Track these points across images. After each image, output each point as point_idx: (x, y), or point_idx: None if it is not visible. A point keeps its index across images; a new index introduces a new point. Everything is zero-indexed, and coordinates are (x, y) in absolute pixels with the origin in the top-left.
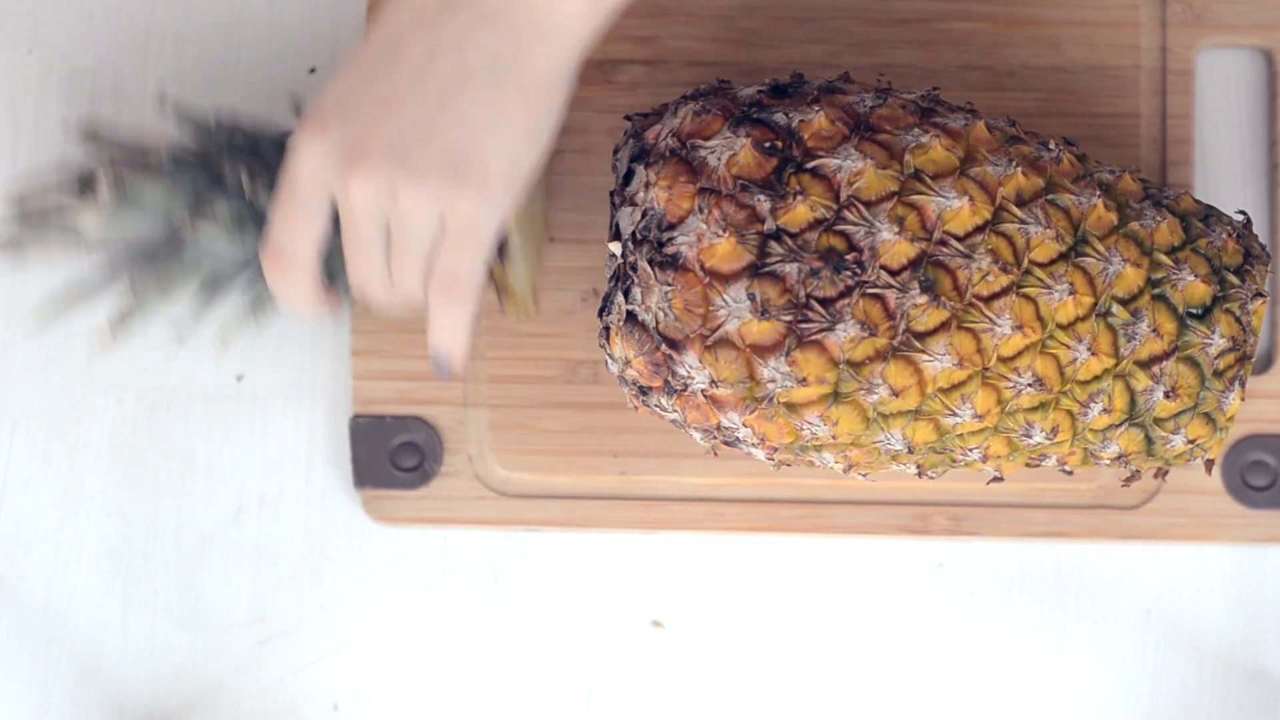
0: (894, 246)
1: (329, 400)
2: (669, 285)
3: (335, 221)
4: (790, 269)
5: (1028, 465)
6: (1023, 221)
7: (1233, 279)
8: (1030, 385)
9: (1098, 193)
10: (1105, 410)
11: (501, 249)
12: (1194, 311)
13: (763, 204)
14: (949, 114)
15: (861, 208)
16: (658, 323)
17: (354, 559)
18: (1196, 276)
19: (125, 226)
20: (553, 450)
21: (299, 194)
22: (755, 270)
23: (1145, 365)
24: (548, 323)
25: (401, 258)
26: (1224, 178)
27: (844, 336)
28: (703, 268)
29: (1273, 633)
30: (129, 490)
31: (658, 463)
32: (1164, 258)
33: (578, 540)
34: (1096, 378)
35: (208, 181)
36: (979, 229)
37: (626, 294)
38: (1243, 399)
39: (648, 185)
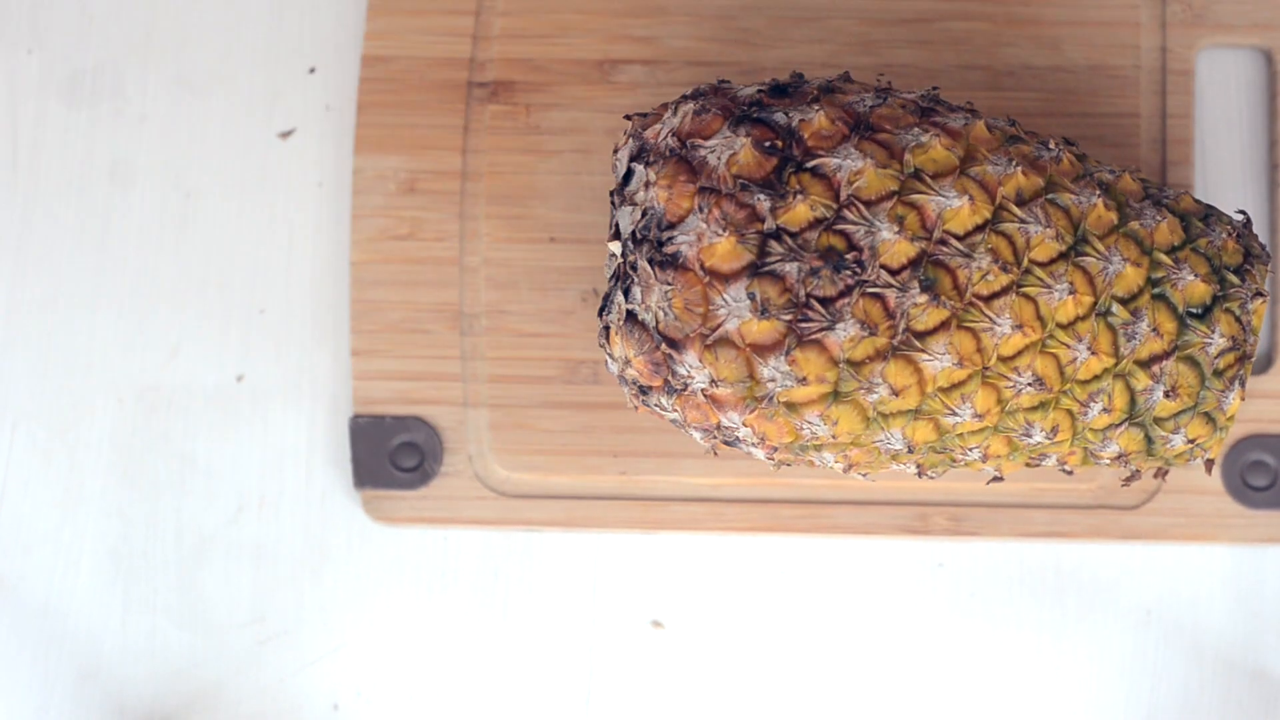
0: (894, 246)
1: (329, 400)
2: (669, 284)
3: None
4: (790, 268)
5: (1028, 465)
6: (1023, 221)
7: (1233, 278)
8: (1030, 385)
9: (1098, 192)
10: (1105, 410)
11: None
12: (1194, 311)
13: (763, 203)
14: (949, 113)
15: (861, 207)
16: (658, 322)
17: (354, 559)
18: (1196, 276)
19: None
20: (553, 450)
21: None
22: (755, 269)
23: (1145, 365)
24: (548, 323)
25: None
26: (1224, 178)
27: (844, 336)
28: (703, 267)
29: (1273, 633)
30: (129, 490)
31: (658, 463)
32: (1164, 257)
33: (578, 540)
34: (1096, 377)
35: None
36: (979, 228)
37: (626, 293)
38: (1243, 399)
39: (647, 184)
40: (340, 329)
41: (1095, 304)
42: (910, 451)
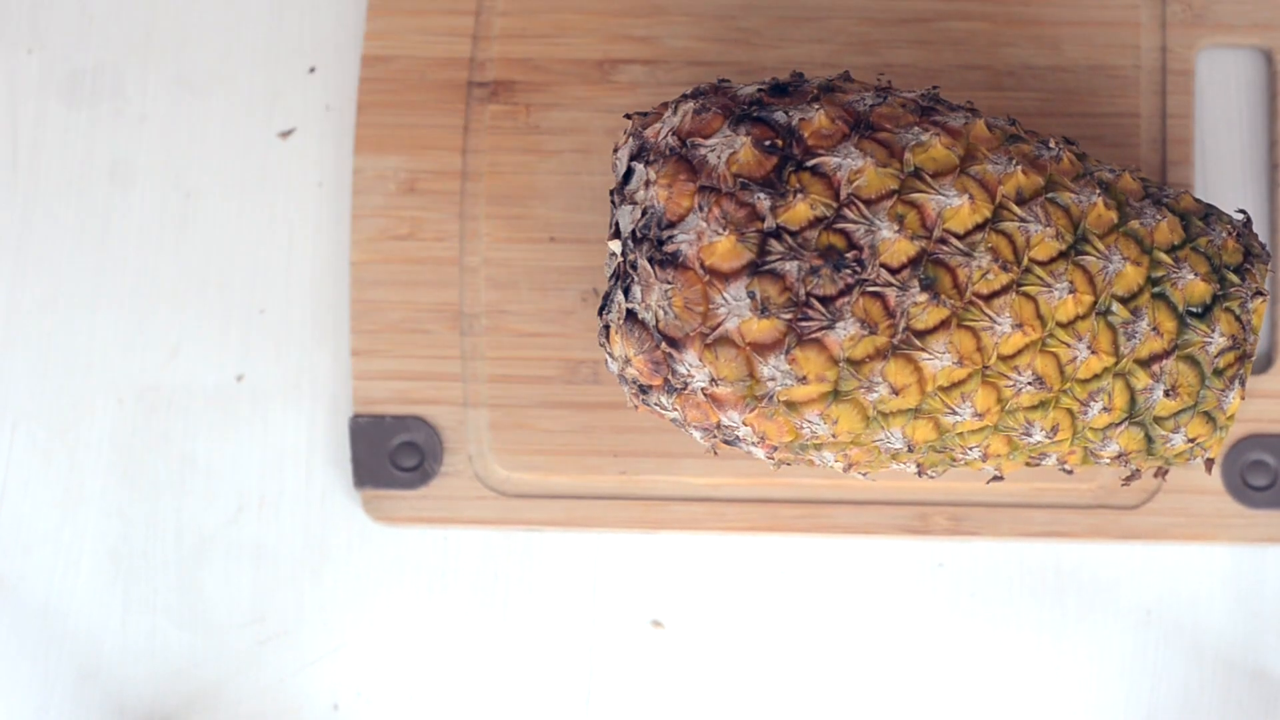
0: (894, 245)
1: (329, 400)
2: (669, 283)
3: None
4: (790, 267)
5: (1028, 464)
6: (1023, 220)
7: (1233, 277)
8: (1030, 384)
9: (1098, 191)
10: (1105, 409)
11: None
12: (1194, 310)
13: (763, 202)
14: (949, 113)
15: (861, 206)
16: (657, 321)
17: (354, 559)
18: (1196, 275)
19: None
20: (553, 450)
21: None
22: (755, 268)
23: (1145, 364)
24: (548, 323)
25: None
26: (1224, 178)
27: (844, 335)
28: (703, 266)
29: (1273, 633)
30: (129, 490)
31: (658, 463)
32: (1164, 256)
33: (578, 540)
34: (1096, 376)
35: None
36: (979, 227)
37: (626, 292)
38: (1243, 398)
39: (648, 183)
40: (340, 329)
41: (1095, 303)
42: (910, 450)
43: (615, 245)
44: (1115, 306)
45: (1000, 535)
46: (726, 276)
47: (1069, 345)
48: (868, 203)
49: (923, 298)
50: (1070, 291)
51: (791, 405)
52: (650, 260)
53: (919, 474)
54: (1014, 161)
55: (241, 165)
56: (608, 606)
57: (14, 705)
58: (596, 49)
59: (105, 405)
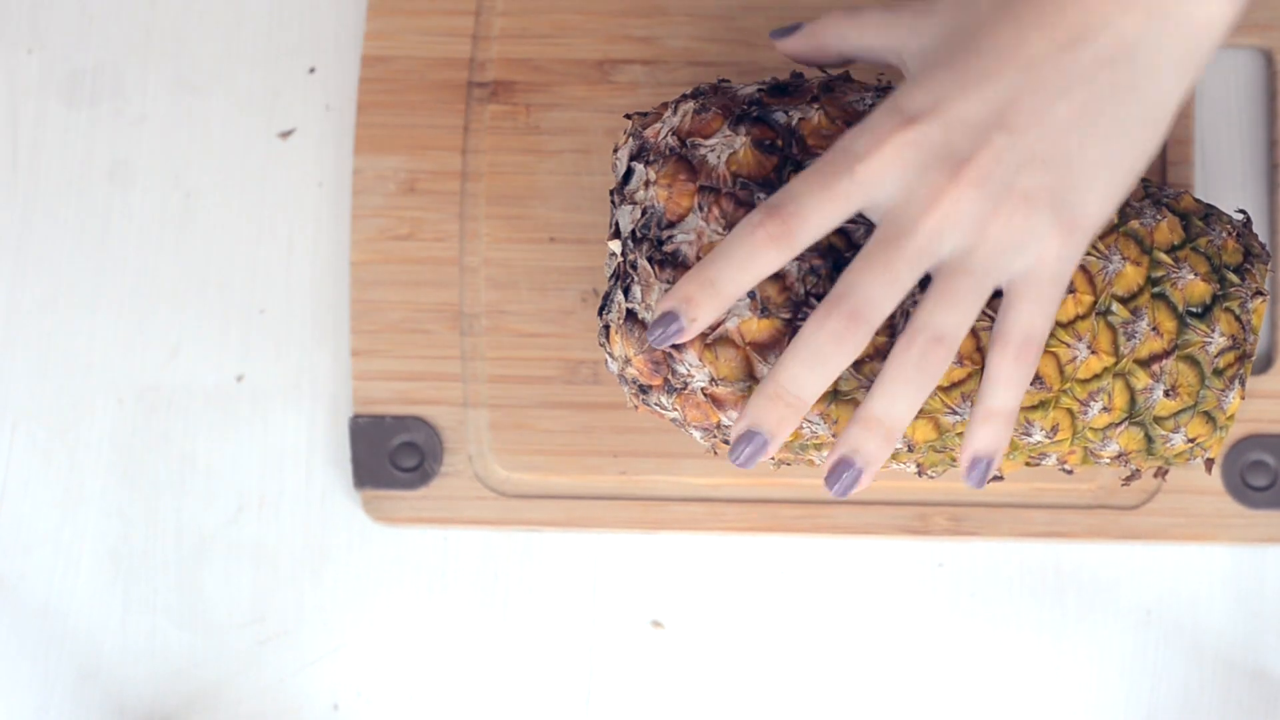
0: None
1: (329, 400)
2: (669, 283)
3: None
4: (789, 267)
5: (1028, 464)
6: None
7: (1233, 277)
8: (1030, 383)
9: None
10: (1105, 409)
11: None
12: (1194, 310)
13: (762, 201)
14: None
15: None
16: None
17: (354, 559)
18: (1196, 275)
19: None
20: (553, 450)
21: (857, 178)
22: None
23: (1145, 364)
24: (548, 323)
25: (953, 293)
26: (1224, 178)
27: None
28: None
29: (1273, 633)
30: (129, 490)
31: (658, 463)
32: (1164, 256)
33: (578, 540)
34: (1096, 376)
35: None
36: None
37: (626, 292)
38: (1243, 398)
39: (647, 183)
40: (340, 329)
41: (1095, 303)
42: (910, 450)
43: (615, 245)
44: (1115, 306)
45: (1000, 535)
46: None
47: (1069, 345)
48: None
49: (922, 297)
50: (1070, 291)
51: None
52: (650, 260)
53: (919, 474)
54: None
55: (241, 165)
56: (608, 606)
57: (14, 705)
58: (596, 49)
59: (105, 405)
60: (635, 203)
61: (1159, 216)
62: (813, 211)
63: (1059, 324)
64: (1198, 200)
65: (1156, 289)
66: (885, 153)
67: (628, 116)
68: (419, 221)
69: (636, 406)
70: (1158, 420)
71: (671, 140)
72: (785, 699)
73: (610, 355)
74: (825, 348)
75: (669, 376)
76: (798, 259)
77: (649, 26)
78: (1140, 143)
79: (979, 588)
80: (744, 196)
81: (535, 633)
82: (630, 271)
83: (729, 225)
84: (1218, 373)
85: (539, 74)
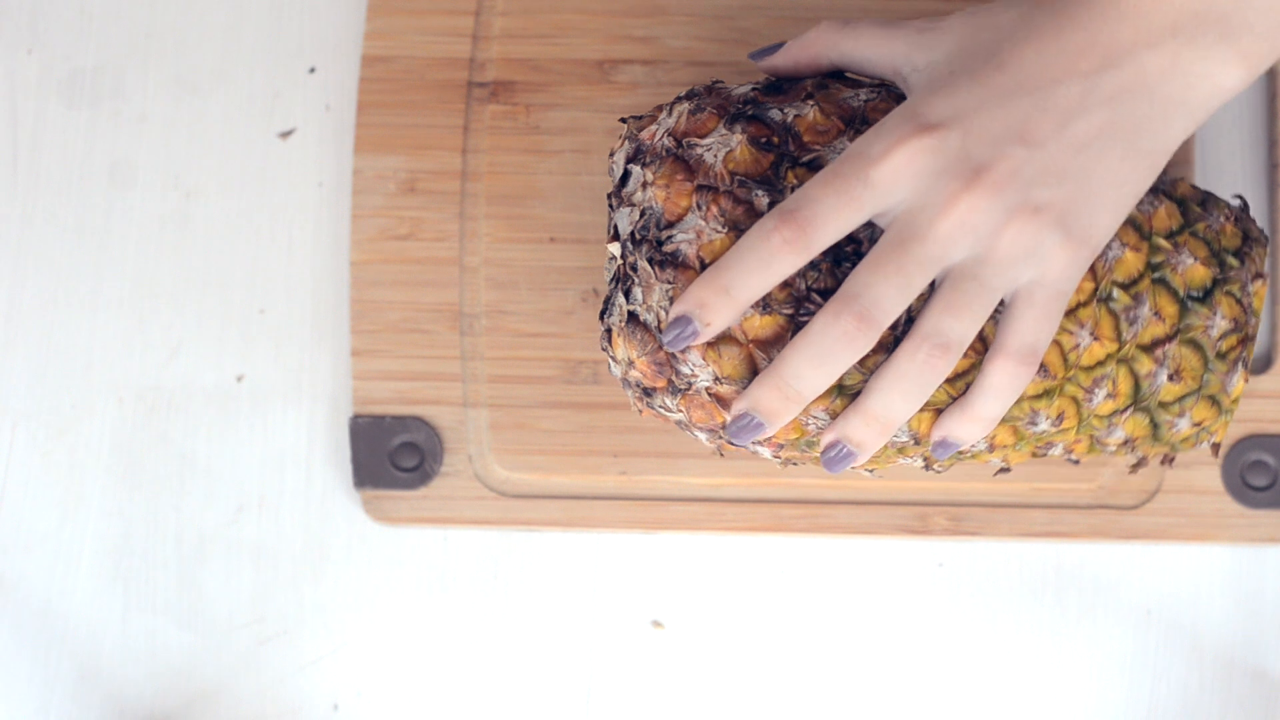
0: None
1: (329, 400)
2: (670, 283)
3: None
4: None
5: (1034, 455)
6: None
7: (1232, 261)
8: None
9: None
10: (1110, 395)
11: None
12: (1195, 294)
13: (761, 199)
14: None
15: None
16: (660, 321)
17: (354, 559)
18: (1196, 259)
19: None
20: (553, 450)
21: (872, 182)
22: None
23: (1148, 349)
24: (548, 323)
25: (960, 300)
26: (1223, 177)
27: None
28: (703, 264)
29: (1273, 633)
30: (129, 490)
31: (658, 463)
32: (1163, 242)
33: (578, 540)
34: (1100, 363)
35: None
36: None
37: (627, 294)
38: (1246, 380)
39: (645, 185)
40: (340, 329)
41: (1096, 290)
42: (916, 444)
43: (614, 248)
44: (1116, 293)
45: (1000, 535)
46: None
47: (1071, 332)
48: None
49: (929, 302)
50: None
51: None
52: (650, 261)
53: (925, 468)
54: None
55: (241, 165)
56: (608, 606)
57: (14, 705)
58: (596, 49)
59: (105, 405)
60: (633, 205)
61: (1156, 203)
62: (828, 216)
63: None
64: (1194, 187)
65: (1157, 274)
66: (901, 157)
67: (623, 120)
68: (419, 221)
69: (641, 410)
70: (1163, 405)
71: (667, 141)
72: (785, 699)
73: (613, 359)
74: (833, 347)
75: (673, 378)
76: None
77: (649, 26)
78: (1147, 169)
79: (979, 588)
80: (742, 194)
81: (535, 633)
82: (631, 273)
83: (728, 223)
84: (1221, 356)
85: (539, 74)
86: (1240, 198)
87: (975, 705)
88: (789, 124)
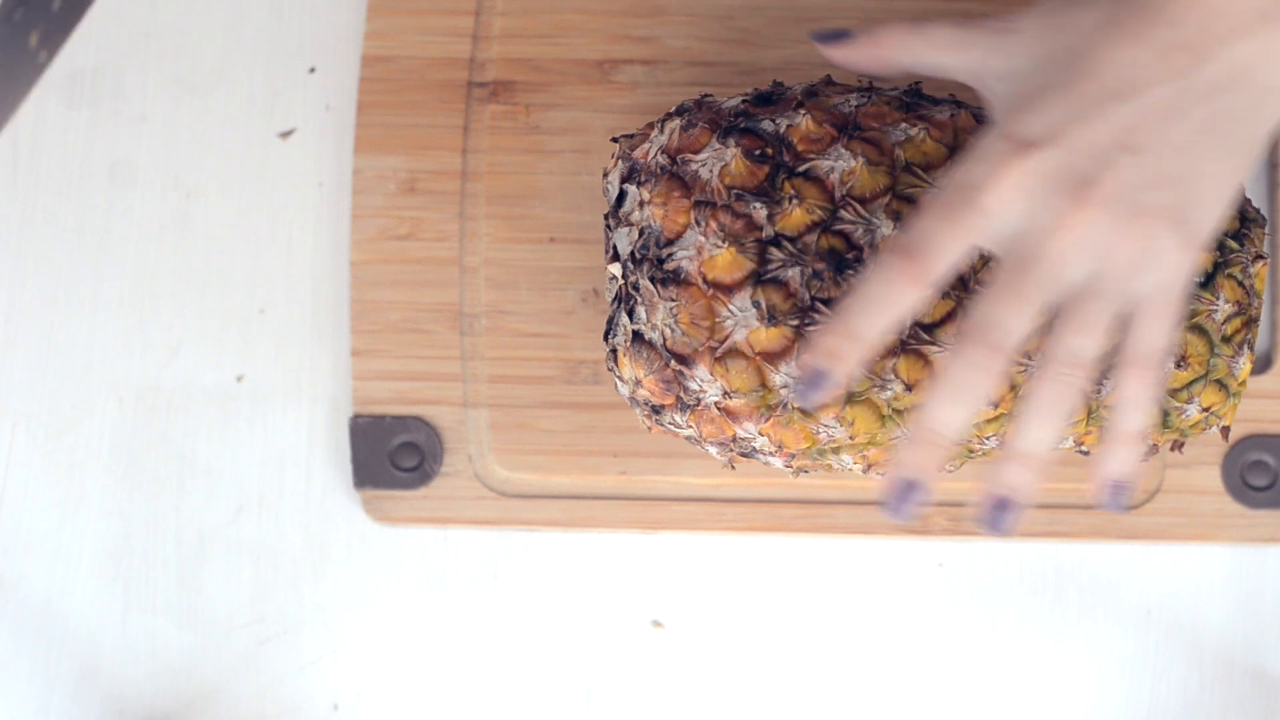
0: None
1: (329, 400)
2: (673, 300)
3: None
4: (792, 273)
5: None
6: None
7: (1232, 244)
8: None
9: None
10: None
11: None
12: (1197, 280)
13: (759, 211)
14: (932, 107)
15: (857, 206)
16: (665, 339)
17: (354, 559)
18: None
19: None
20: (553, 450)
21: (982, 209)
22: (758, 278)
23: None
24: (548, 323)
25: (1086, 319)
26: None
27: None
28: (705, 280)
29: (1273, 633)
30: (129, 490)
31: (658, 463)
32: None
33: (578, 540)
34: (1107, 353)
35: None
36: None
37: (631, 314)
38: (1252, 362)
39: (642, 204)
40: (340, 329)
41: None
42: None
43: (615, 268)
44: None
45: None
46: (730, 288)
47: None
48: (863, 202)
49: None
50: None
51: (806, 411)
52: (652, 280)
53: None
54: None
55: (241, 165)
56: (608, 606)
57: (14, 705)
58: (596, 49)
59: (105, 405)
60: (631, 224)
61: None
62: (944, 248)
63: None
64: None
65: None
66: (1008, 181)
67: (615, 140)
68: (419, 221)
69: (650, 428)
70: (1171, 392)
71: (661, 159)
72: (785, 699)
73: (620, 379)
74: (969, 382)
75: (681, 394)
76: (799, 264)
77: (649, 26)
78: (1247, 160)
79: (979, 588)
80: (740, 208)
81: (535, 633)
82: (633, 293)
83: (728, 238)
84: (1226, 339)
85: (539, 74)
86: None
87: (975, 705)
88: (782, 134)
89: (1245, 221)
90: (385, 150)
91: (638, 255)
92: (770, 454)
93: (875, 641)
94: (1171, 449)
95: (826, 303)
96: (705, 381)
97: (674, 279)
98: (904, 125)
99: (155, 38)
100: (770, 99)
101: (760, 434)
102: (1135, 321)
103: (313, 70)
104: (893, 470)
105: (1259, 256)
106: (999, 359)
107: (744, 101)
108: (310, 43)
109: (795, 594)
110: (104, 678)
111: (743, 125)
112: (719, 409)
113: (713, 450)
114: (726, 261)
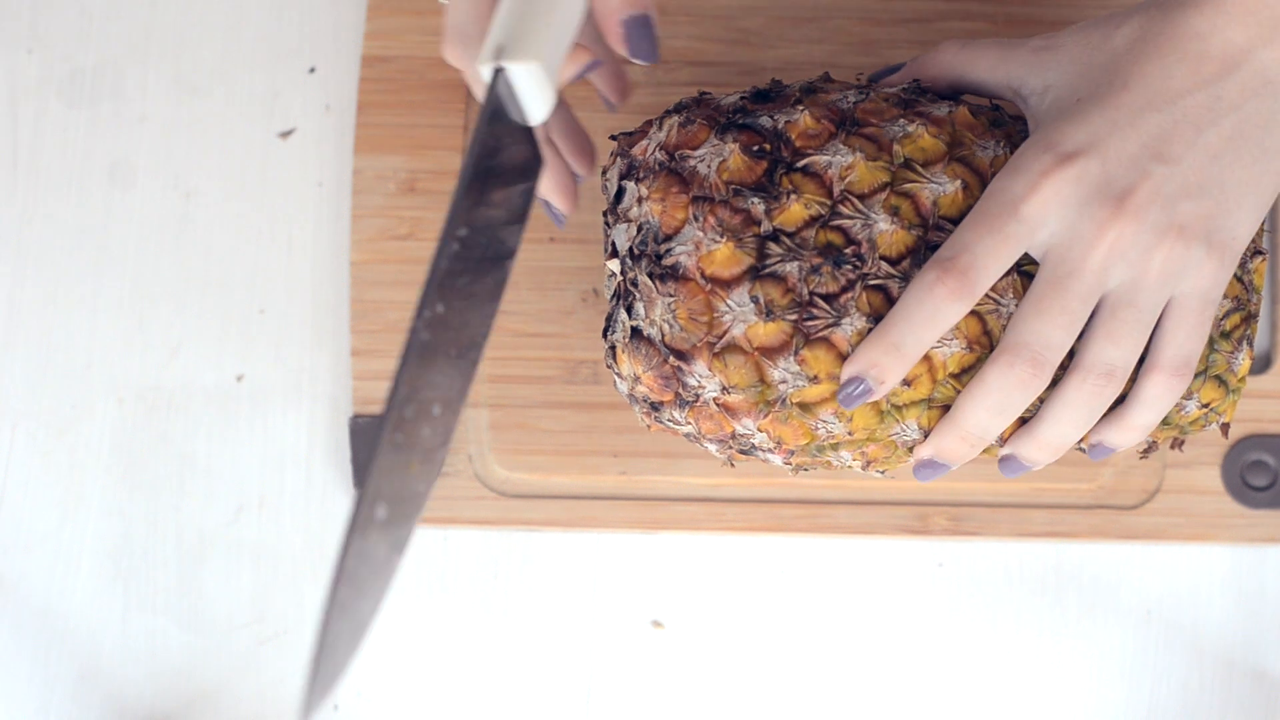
0: (891, 236)
1: (329, 400)
2: (671, 296)
3: None
4: (790, 268)
5: None
6: None
7: None
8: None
9: None
10: None
11: None
12: None
13: (757, 206)
14: (931, 104)
15: (855, 201)
16: (663, 335)
17: None
18: None
19: None
20: (553, 450)
21: (1022, 218)
22: (756, 273)
23: None
24: (548, 323)
25: (1119, 328)
26: None
27: (850, 330)
28: (703, 275)
29: (1273, 633)
30: (129, 490)
31: (658, 463)
32: None
33: (578, 540)
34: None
35: None
36: None
37: (629, 310)
38: (1251, 358)
39: (640, 200)
40: (340, 329)
41: None
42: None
43: (613, 265)
44: None
45: (1000, 535)
46: (728, 283)
47: None
48: (861, 197)
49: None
50: None
51: (805, 406)
52: (650, 275)
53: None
54: (1001, 144)
55: (241, 165)
56: (608, 606)
57: (14, 705)
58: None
59: (105, 405)
60: (629, 220)
61: None
62: (986, 259)
63: None
64: None
65: None
66: (1048, 191)
67: (613, 137)
68: (419, 221)
69: (650, 425)
70: None
71: (660, 155)
72: (785, 699)
73: (619, 375)
74: (1012, 395)
75: (680, 390)
76: (797, 259)
77: None
78: (1277, 166)
79: (979, 588)
80: (738, 203)
81: (535, 632)
82: (631, 289)
83: (726, 232)
84: (1225, 335)
85: None
86: None
87: (975, 705)
88: (780, 130)
89: None
90: (385, 150)
91: (636, 251)
92: (769, 451)
93: (875, 641)
94: (1172, 447)
95: (825, 297)
96: (704, 377)
97: (672, 274)
98: (902, 121)
99: (155, 38)
100: (769, 96)
101: (759, 430)
102: (1165, 327)
103: (313, 70)
104: (921, 449)
105: (1257, 252)
106: (1040, 374)
107: (742, 99)
108: (310, 43)
109: (795, 594)
110: (104, 678)
111: (741, 121)
112: (717, 405)
113: (712, 448)
114: (724, 256)
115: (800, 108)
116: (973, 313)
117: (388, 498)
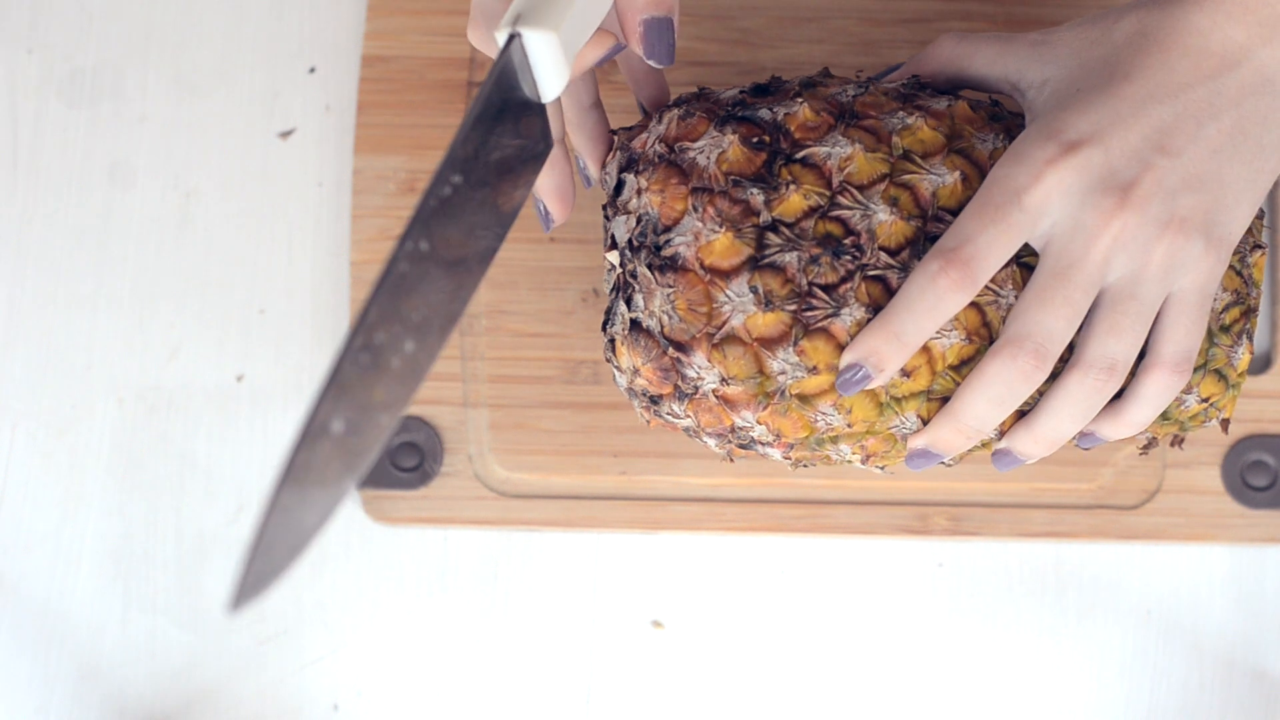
0: (890, 227)
1: None
2: (670, 287)
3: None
4: (790, 258)
5: None
6: None
7: None
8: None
9: None
10: None
11: None
12: None
13: (756, 197)
14: (930, 98)
15: (854, 192)
16: (663, 327)
17: (354, 559)
18: None
19: None
20: (553, 450)
21: (1025, 207)
22: (755, 263)
23: None
24: (547, 322)
25: (1123, 321)
26: None
27: (850, 320)
28: (702, 266)
29: (1273, 633)
30: (129, 490)
31: (658, 463)
32: None
33: (578, 540)
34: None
35: None
36: None
37: (629, 302)
38: (1251, 353)
39: (639, 192)
40: (340, 329)
41: None
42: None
43: (613, 257)
44: None
45: (1000, 535)
46: (727, 274)
47: None
48: (860, 188)
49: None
50: None
51: (804, 398)
52: (650, 266)
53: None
54: (1000, 137)
55: (241, 165)
56: (608, 606)
57: (14, 705)
58: None
59: (105, 405)
60: (629, 212)
61: None
62: (989, 248)
63: None
64: None
65: None
66: (1050, 180)
67: (613, 133)
68: None
69: (649, 420)
70: None
71: (659, 148)
72: (785, 699)
73: (618, 368)
74: (1014, 386)
75: (679, 382)
76: (796, 250)
77: None
78: (1273, 163)
79: (979, 588)
80: (737, 194)
81: (535, 633)
82: (631, 281)
83: (725, 223)
84: (1224, 329)
85: None
86: None
87: (975, 705)
88: (779, 122)
89: None
90: (385, 150)
91: (635, 243)
92: (768, 444)
93: (875, 641)
94: (1171, 445)
95: (824, 288)
96: (703, 369)
97: (671, 265)
98: (901, 114)
99: (155, 38)
100: (768, 90)
101: (758, 423)
102: (1164, 323)
103: (313, 70)
104: (916, 438)
105: (1257, 246)
106: (1042, 365)
107: (742, 92)
108: (310, 43)
109: (795, 594)
110: (104, 678)
111: (740, 114)
112: (717, 397)
113: (711, 442)
114: (724, 247)
115: (799, 100)
116: (972, 304)
117: (345, 414)
